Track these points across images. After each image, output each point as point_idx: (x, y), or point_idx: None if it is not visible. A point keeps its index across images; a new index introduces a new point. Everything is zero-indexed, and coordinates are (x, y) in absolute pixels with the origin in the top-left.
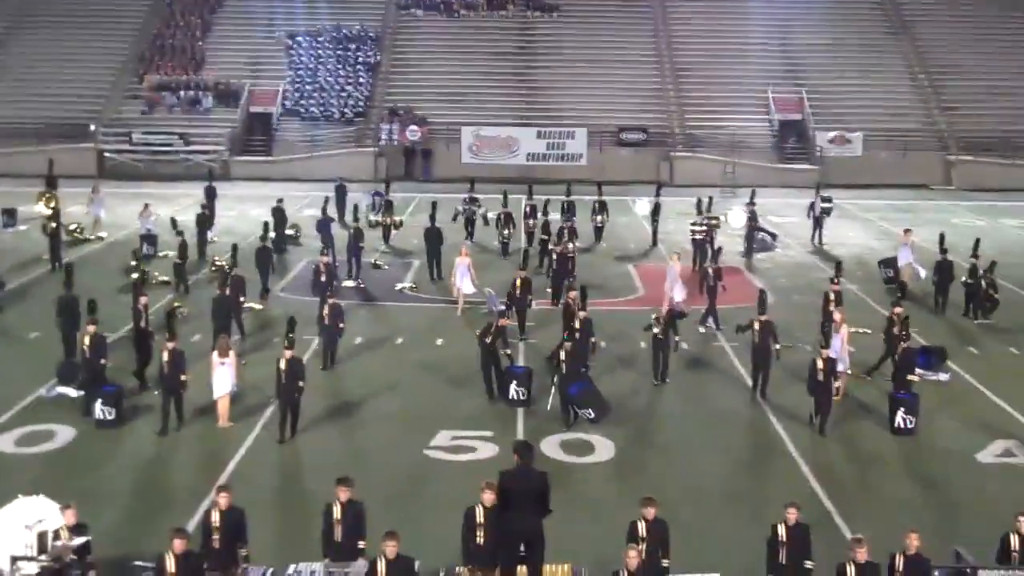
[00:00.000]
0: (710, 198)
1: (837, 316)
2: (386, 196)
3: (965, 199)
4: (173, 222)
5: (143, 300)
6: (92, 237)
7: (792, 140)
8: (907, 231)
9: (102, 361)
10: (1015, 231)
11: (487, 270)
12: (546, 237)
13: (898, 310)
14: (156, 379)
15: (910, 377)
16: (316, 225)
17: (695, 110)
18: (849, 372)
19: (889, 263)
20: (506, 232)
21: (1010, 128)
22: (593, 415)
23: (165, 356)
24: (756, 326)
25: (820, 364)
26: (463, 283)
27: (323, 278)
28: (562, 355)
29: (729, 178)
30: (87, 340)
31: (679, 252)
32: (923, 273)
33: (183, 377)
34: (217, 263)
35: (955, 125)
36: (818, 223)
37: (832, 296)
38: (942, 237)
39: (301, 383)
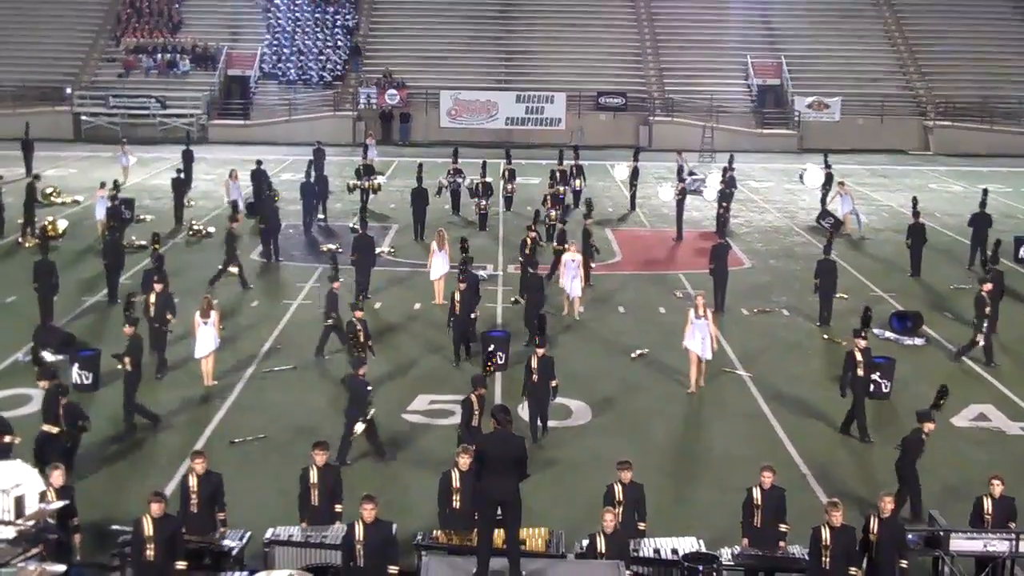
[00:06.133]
0: (730, 156)
1: (700, 301)
2: (366, 160)
3: (942, 164)
4: None
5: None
6: (69, 201)
7: (771, 105)
8: (841, 183)
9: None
10: (991, 197)
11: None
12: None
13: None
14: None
15: None
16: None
17: (674, 75)
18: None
19: (826, 214)
20: (483, 203)
21: (987, 93)
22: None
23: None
24: (858, 355)
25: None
26: (443, 266)
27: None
28: (533, 363)
29: (707, 143)
30: None
31: (573, 242)
32: (864, 219)
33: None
34: (195, 227)
35: (933, 90)
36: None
37: (860, 358)
38: (915, 201)
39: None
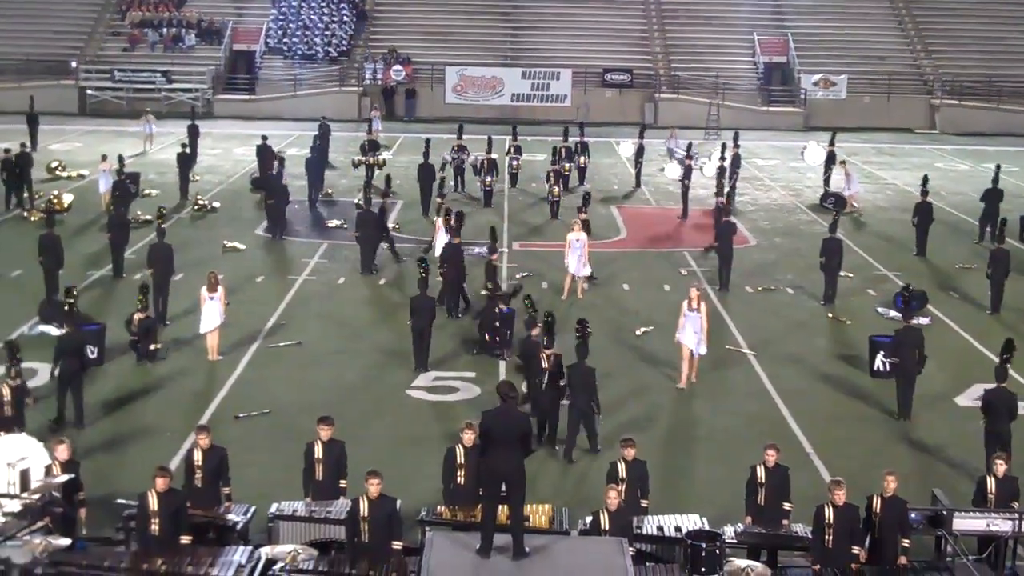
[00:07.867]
0: (735, 134)
1: (693, 294)
2: (370, 135)
3: (949, 143)
4: None
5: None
6: (74, 175)
7: (777, 83)
8: (843, 162)
9: None
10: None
11: (468, 220)
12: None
13: None
14: None
15: None
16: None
17: (680, 52)
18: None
19: (829, 195)
20: (488, 179)
21: (994, 72)
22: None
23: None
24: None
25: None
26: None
27: None
28: (544, 363)
29: (713, 121)
30: None
31: (577, 221)
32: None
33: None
34: (200, 202)
35: (940, 68)
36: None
37: None
38: (925, 179)
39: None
